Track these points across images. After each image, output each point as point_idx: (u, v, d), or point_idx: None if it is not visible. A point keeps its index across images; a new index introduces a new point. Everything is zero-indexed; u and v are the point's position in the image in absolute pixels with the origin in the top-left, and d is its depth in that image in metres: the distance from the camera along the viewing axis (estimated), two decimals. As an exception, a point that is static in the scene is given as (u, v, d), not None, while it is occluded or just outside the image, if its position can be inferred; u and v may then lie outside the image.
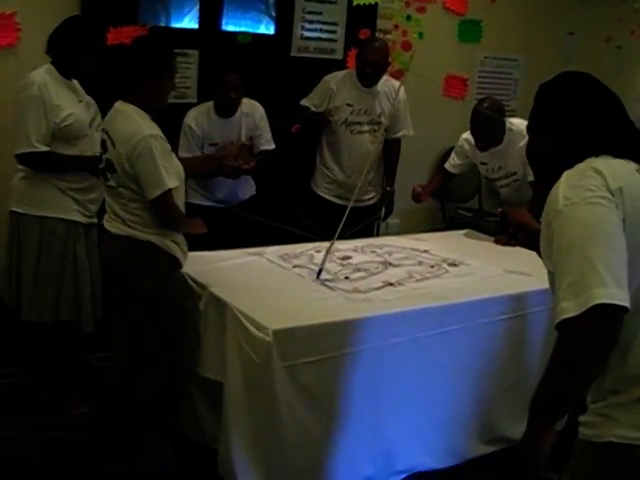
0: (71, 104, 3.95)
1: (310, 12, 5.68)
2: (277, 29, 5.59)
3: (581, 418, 2.11)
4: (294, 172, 5.28)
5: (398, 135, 5.45)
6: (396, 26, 6.37)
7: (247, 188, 5.15)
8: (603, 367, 1.96)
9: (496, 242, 4.68)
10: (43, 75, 3.90)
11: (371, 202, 5.46)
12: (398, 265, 3.97)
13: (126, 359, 3.55)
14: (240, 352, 3.05)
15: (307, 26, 5.69)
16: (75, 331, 4.09)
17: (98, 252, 3.91)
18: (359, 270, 3.81)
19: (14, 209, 4.01)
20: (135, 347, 3.50)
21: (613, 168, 2.04)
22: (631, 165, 2.10)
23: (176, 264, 3.45)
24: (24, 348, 4.34)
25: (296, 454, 3.10)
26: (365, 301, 3.39)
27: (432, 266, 4.00)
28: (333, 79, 5.34)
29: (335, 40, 5.86)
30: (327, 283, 3.56)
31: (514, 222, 2.83)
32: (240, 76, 4.81)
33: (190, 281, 3.48)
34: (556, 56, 7.67)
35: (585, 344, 1.87)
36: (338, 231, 3.82)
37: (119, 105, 3.39)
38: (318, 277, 3.64)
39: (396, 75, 5.57)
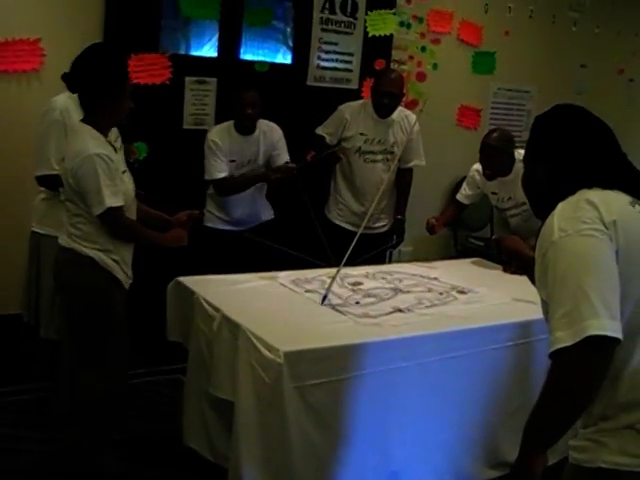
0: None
1: (326, 42, 5.82)
2: (294, 58, 5.73)
3: (571, 442, 2.15)
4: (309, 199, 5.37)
5: (410, 165, 5.55)
6: (411, 57, 6.51)
7: (265, 211, 5.28)
8: (594, 396, 2.01)
9: (505, 270, 4.74)
10: (65, 100, 4.00)
11: (383, 230, 5.55)
12: (408, 291, 4.05)
13: (72, 359, 3.67)
14: (252, 372, 3.12)
15: (323, 56, 5.83)
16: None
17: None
18: (369, 296, 3.89)
19: (35, 229, 4.12)
20: (72, 351, 3.64)
21: (607, 201, 2.09)
22: (624, 197, 2.15)
23: (115, 282, 3.52)
24: (41, 365, 4.43)
25: (305, 473, 3.17)
26: (374, 326, 3.47)
27: (441, 293, 4.07)
28: (348, 109, 5.45)
29: (351, 70, 5.99)
30: (338, 308, 3.65)
31: (506, 249, 2.91)
32: (258, 94, 4.90)
33: (204, 303, 3.56)
34: (568, 88, 7.77)
35: (577, 374, 1.93)
36: (346, 257, 3.93)
37: (77, 125, 3.49)
38: (323, 302, 3.72)
39: (410, 105, 5.68)
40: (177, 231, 3.72)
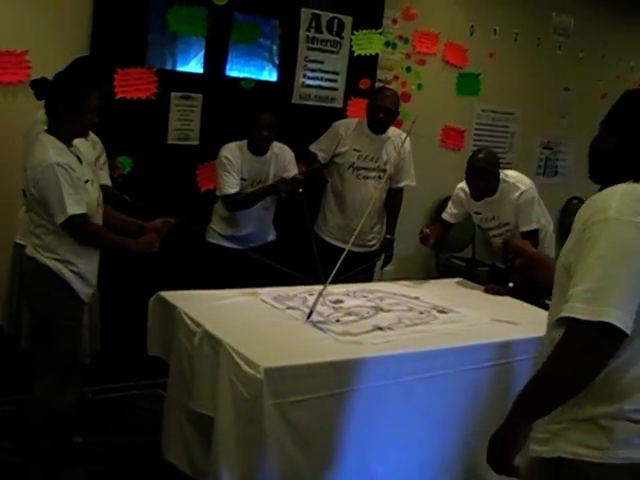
0: (77, 142, 4.07)
1: (312, 61, 5.85)
2: (280, 76, 5.77)
3: (532, 434, 2.20)
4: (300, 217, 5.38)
5: (401, 185, 5.62)
6: (396, 77, 6.56)
7: (270, 232, 5.34)
8: (592, 378, 2.04)
9: (486, 291, 4.79)
10: None
11: (372, 248, 5.59)
12: (389, 310, 4.06)
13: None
14: (232, 388, 3.13)
15: (309, 74, 5.86)
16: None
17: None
18: (350, 314, 3.90)
19: (18, 241, 4.12)
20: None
21: None
22: None
23: (72, 293, 3.53)
24: (22, 377, 4.41)
25: (283, 490, 3.18)
26: (355, 343, 3.48)
27: (422, 312, 4.09)
28: (342, 125, 5.53)
29: (336, 89, 6.03)
30: (318, 325, 3.66)
31: (513, 247, 2.98)
32: (273, 116, 4.96)
33: (185, 318, 3.56)
34: (552, 111, 7.86)
35: (588, 350, 2.00)
36: (332, 275, 3.95)
37: (41, 136, 3.51)
38: (308, 319, 3.74)
39: (395, 125, 5.71)
40: (148, 237, 3.74)
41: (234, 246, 5.13)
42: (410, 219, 6.40)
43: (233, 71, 5.52)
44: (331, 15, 5.85)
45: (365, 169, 5.46)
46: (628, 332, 1.98)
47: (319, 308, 3.88)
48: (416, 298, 4.38)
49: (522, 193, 4.84)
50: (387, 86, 6.03)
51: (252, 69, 5.61)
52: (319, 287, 3.99)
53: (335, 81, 6.02)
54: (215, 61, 5.42)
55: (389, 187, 5.58)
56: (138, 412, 4.66)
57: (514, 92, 7.49)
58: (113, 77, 4.90)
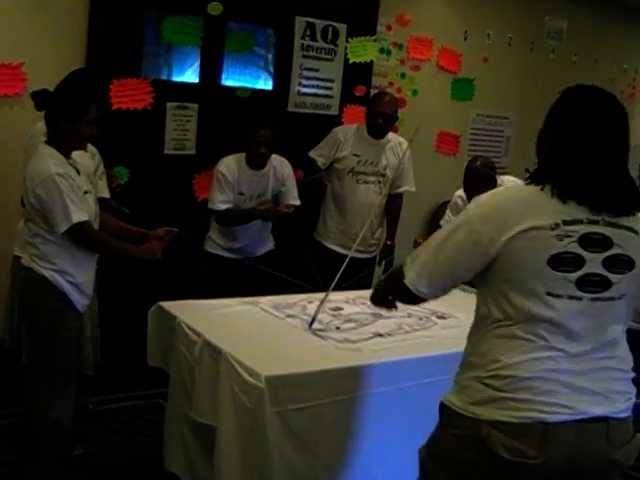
0: (76, 154, 4.08)
1: (307, 69, 5.87)
2: (275, 85, 5.78)
3: None
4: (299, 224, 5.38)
5: (400, 190, 5.65)
6: (391, 83, 6.58)
7: (267, 243, 5.35)
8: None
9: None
10: None
11: (372, 254, 5.60)
12: (388, 317, 4.06)
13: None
14: (233, 397, 3.14)
15: (304, 82, 5.88)
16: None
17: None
18: (350, 321, 3.91)
19: (17, 254, 4.12)
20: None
21: (529, 211, 2.25)
22: (557, 215, 2.23)
23: (68, 304, 3.52)
24: (22, 390, 4.41)
25: (286, 498, 3.18)
26: (355, 350, 3.48)
27: (421, 318, 4.10)
28: (341, 131, 5.58)
29: (331, 96, 6.04)
30: (318, 333, 3.66)
31: None
32: (272, 131, 4.96)
33: (185, 328, 3.57)
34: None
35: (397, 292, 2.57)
36: (333, 283, 3.96)
37: (40, 146, 3.52)
38: (311, 326, 3.75)
39: (393, 130, 5.71)
40: (151, 244, 3.73)
41: (232, 256, 5.15)
42: (406, 224, 6.39)
43: (229, 80, 5.54)
44: (325, 23, 5.87)
45: (365, 174, 5.49)
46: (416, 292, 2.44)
47: (319, 315, 3.89)
48: (415, 304, 4.38)
49: None
50: (386, 91, 6.03)
51: (247, 78, 5.62)
52: (319, 295, 4.01)
53: (330, 89, 6.04)
54: (210, 70, 5.43)
55: (388, 193, 5.59)
56: (139, 423, 4.67)
57: (508, 96, 7.51)
58: (109, 88, 4.90)
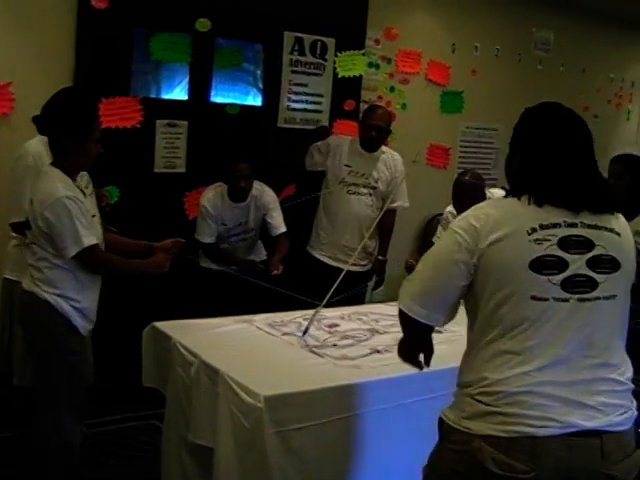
0: None
1: (296, 84, 5.84)
2: (264, 100, 5.75)
3: None
4: (292, 236, 5.40)
5: (394, 205, 5.58)
6: (380, 97, 6.56)
7: (259, 254, 5.41)
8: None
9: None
10: (37, 145, 3.98)
11: (365, 269, 5.58)
12: (385, 332, 4.02)
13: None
14: (231, 418, 3.09)
15: (293, 97, 5.85)
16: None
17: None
18: (347, 337, 3.87)
19: (7, 276, 4.07)
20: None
21: (504, 220, 2.33)
22: (532, 222, 2.30)
23: (72, 329, 3.49)
24: (15, 413, 4.36)
25: (287, 519, 3.13)
26: (353, 367, 3.44)
27: (418, 333, 4.06)
28: (335, 138, 5.65)
29: (321, 111, 6.01)
30: (316, 350, 3.62)
31: None
32: (250, 165, 5.02)
33: (181, 349, 3.52)
34: (536, 126, 7.83)
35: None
36: (327, 297, 3.95)
37: (46, 168, 3.49)
38: (304, 336, 3.75)
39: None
40: (159, 256, 3.72)
41: (224, 269, 5.15)
42: (397, 238, 6.34)
43: (218, 97, 5.50)
44: (314, 38, 5.85)
45: (355, 185, 5.48)
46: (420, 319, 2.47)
47: (315, 332, 3.86)
48: (411, 318, 4.34)
49: None
50: (379, 104, 6.01)
51: (237, 94, 5.59)
52: (312, 311, 3.98)
53: (320, 103, 6.01)
54: (199, 87, 5.40)
55: (382, 207, 5.55)
56: (135, 445, 4.59)
57: (497, 108, 7.49)
58: (97, 107, 4.85)
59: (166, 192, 5.28)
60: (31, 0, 4.85)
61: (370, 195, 5.50)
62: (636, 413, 2.39)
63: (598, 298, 2.30)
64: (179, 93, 5.32)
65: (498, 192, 4.97)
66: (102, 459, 4.37)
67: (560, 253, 2.26)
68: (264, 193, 5.23)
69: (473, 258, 2.32)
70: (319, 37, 5.88)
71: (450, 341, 3.98)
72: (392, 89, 6.64)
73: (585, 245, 2.29)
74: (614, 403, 2.31)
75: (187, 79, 5.32)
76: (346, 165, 5.47)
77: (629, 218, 2.62)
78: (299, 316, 4.14)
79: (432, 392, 3.47)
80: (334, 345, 3.73)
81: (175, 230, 4.71)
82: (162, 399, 3.77)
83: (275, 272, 4.93)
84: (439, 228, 5.23)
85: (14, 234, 4.05)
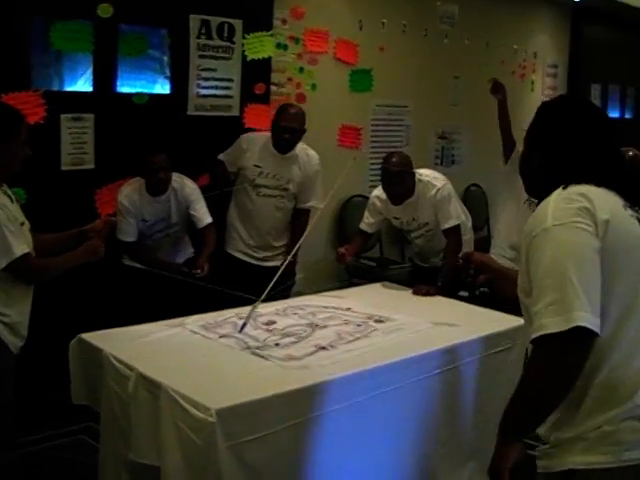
0: None
1: (205, 69, 5.58)
2: (173, 88, 5.49)
3: (538, 451, 2.16)
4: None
5: (306, 206, 5.40)
6: (289, 79, 6.37)
7: (186, 251, 5.22)
8: (571, 387, 2.01)
9: (415, 292, 4.64)
10: None
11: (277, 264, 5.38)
12: (325, 326, 3.85)
13: None
14: (178, 434, 2.85)
15: (203, 84, 5.59)
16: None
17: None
18: (287, 335, 3.67)
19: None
20: None
21: (602, 198, 2.11)
22: (617, 199, 2.16)
23: (1, 346, 3.29)
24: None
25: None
26: (302, 369, 3.25)
27: (359, 325, 3.89)
28: (246, 139, 5.36)
29: (231, 97, 5.77)
30: (258, 352, 3.40)
31: (477, 261, 2.88)
32: (167, 156, 4.83)
33: (114, 361, 3.25)
34: (444, 100, 7.82)
35: (561, 361, 1.96)
36: (265, 293, 3.76)
37: None
38: (241, 331, 3.60)
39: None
40: (92, 242, 3.54)
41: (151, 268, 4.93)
42: (313, 221, 6.20)
43: (124, 87, 5.19)
44: (220, 20, 5.57)
45: (266, 187, 5.27)
46: (597, 331, 1.95)
47: (253, 332, 3.66)
48: (348, 309, 4.18)
49: (438, 190, 4.76)
50: (291, 103, 5.77)
51: (144, 83, 5.28)
52: (246, 309, 3.78)
53: (230, 88, 5.75)
54: (104, 78, 5.07)
55: (294, 207, 5.40)
56: (61, 464, 4.22)
57: (406, 84, 7.42)
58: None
59: (75, 190, 4.97)
60: None
61: (282, 197, 5.30)
62: None
63: None
64: (83, 85, 4.98)
65: (427, 173, 4.88)
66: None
67: None
68: (184, 185, 5.02)
69: (598, 240, 2.04)
70: (226, 19, 5.61)
71: (392, 331, 3.87)
72: (301, 70, 6.43)
73: None
74: None
75: (91, 69, 4.98)
76: (255, 166, 5.24)
77: None
78: (233, 315, 3.93)
79: (384, 387, 3.38)
80: (276, 345, 3.53)
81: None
82: (89, 411, 3.56)
83: (199, 273, 4.74)
84: (366, 214, 5.08)
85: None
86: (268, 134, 5.33)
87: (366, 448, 3.34)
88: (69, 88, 4.96)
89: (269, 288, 3.76)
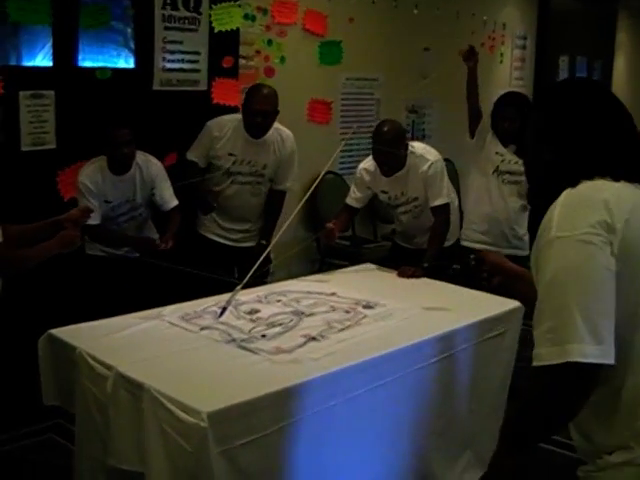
0: None
1: (171, 42, 5.28)
2: (137, 62, 5.18)
3: (581, 470, 2.00)
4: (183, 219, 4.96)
5: (281, 187, 5.17)
6: (258, 52, 6.10)
7: (151, 235, 4.91)
8: (572, 416, 1.86)
9: (400, 274, 4.43)
10: None
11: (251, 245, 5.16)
12: (311, 314, 3.62)
13: None
14: (164, 439, 2.62)
15: (169, 57, 5.30)
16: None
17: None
18: (273, 325, 3.43)
19: None
20: None
21: (621, 196, 1.86)
22: (635, 190, 1.92)
23: None
24: None
25: None
26: (294, 363, 3.01)
27: (347, 311, 3.68)
28: (216, 125, 5.01)
29: (198, 70, 5.49)
30: (245, 345, 3.16)
31: (490, 263, 2.64)
32: (131, 130, 4.52)
33: (90, 360, 2.98)
34: (414, 72, 7.63)
35: (555, 396, 1.80)
36: (248, 277, 3.54)
37: None
38: (220, 317, 3.40)
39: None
40: (67, 233, 3.35)
41: (115, 252, 4.72)
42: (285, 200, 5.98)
43: (86, 61, 4.87)
44: (187, -11, 5.28)
45: (241, 174, 5.00)
46: (599, 361, 1.74)
47: (236, 323, 3.44)
48: (333, 294, 3.96)
49: (431, 165, 4.54)
50: (262, 84, 5.44)
51: (107, 57, 4.97)
52: (224, 296, 3.55)
53: (197, 62, 5.46)
54: (65, 52, 4.74)
55: (269, 188, 5.15)
56: (32, 468, 3.92)
57: (377, 56, 7.20)
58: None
59: (36, 172, 4.67)
60: None
61: (258, 183, 5.05)
62: None
63: None
64: (42, 59, 4.65)
65: (420, 146, 4.68)
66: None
67: None
68: (149, 163, 4.72)
69: (614, 257, 1.80)
70: (192, -12, 5.32)
71: (384, 317, 3.67)
72: (270, 42, 6.15)
73: None
74: None
75: (50, 43, 4.65)
76: (230, 154, 4.95)
77: None
78: (212, 304, 3.67)
79: (381, 378, 3.20)
80: (263, 336, 3.29)
81: (50, 214, 4.17)
82: (56, 409, 3.35)
83: (163, 247, 4.51)
84: (352, 188, 4.85)
85: None
86: (237, 116, 5.04)
87: (363, 442, 3.18)
88: (27, 63, 4.63)
89: (250, 274, 3.53)
